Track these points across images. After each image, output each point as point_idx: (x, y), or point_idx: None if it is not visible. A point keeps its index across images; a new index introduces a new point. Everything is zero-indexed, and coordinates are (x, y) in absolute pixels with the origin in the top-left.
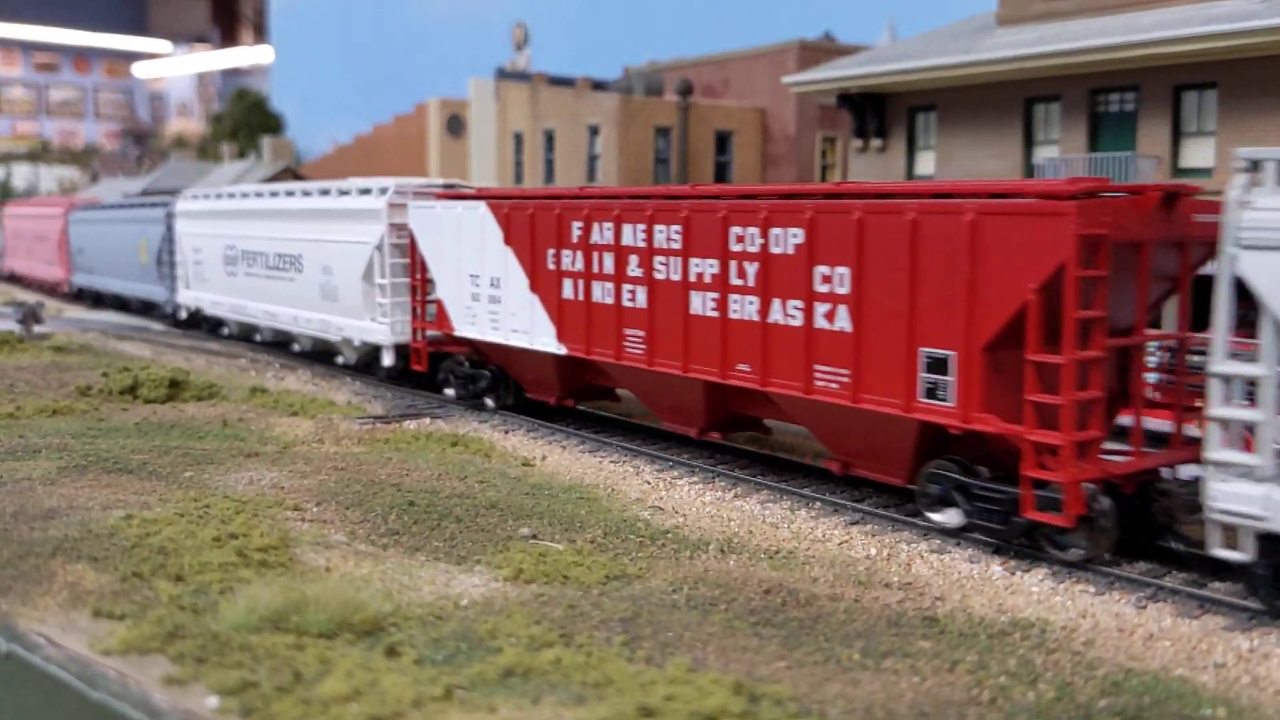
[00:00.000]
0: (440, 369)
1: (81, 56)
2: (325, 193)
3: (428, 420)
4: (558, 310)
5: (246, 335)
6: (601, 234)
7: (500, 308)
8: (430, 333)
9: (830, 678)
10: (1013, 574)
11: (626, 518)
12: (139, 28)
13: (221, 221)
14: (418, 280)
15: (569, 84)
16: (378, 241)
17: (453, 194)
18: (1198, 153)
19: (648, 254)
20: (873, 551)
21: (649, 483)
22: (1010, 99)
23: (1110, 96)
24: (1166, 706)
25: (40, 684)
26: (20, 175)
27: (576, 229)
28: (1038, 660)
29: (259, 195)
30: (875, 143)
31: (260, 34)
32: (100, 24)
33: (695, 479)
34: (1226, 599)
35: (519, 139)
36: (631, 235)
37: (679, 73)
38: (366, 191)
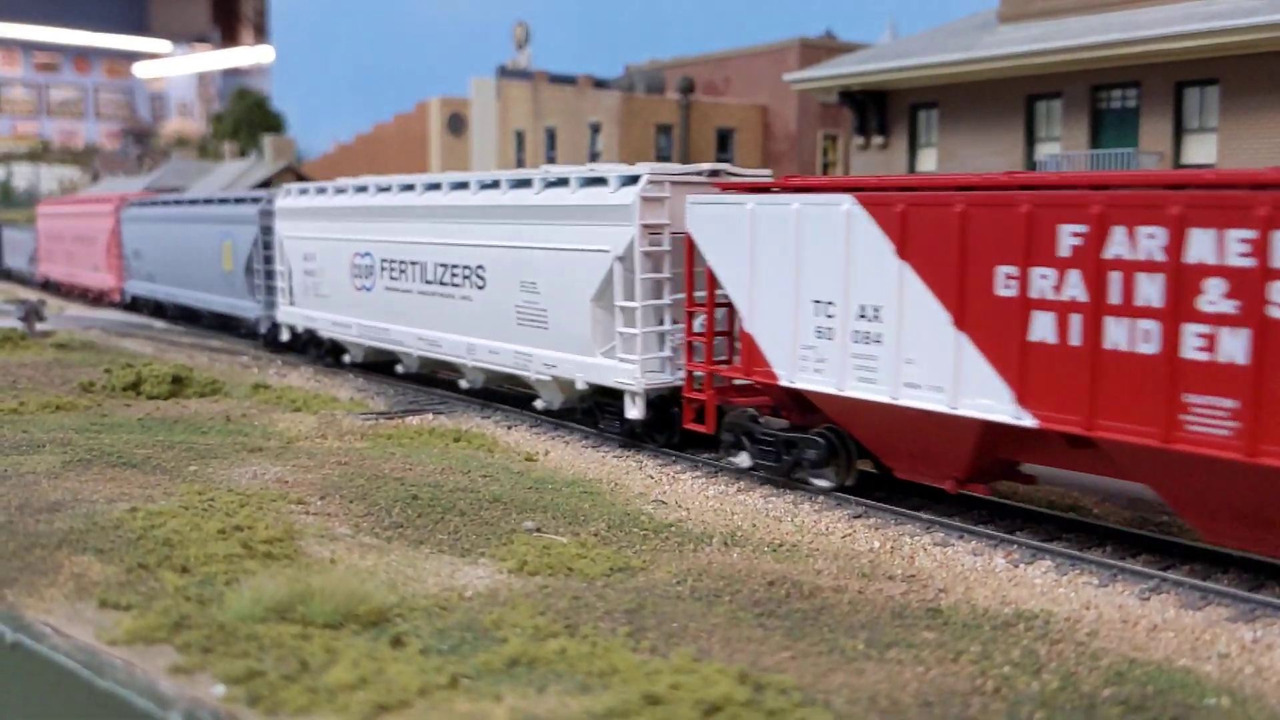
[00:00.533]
0: (724, 426)
1: (82, 56)
2: (524, 184)
3: (430, 416)
4: (1017, 359)
5: (382, 365)
6: (1133, 245)
7: (880, 350)
8: (685, 372)
9: (835, 668)
10: (1016, 566)
11: (630, 511)
12: (139, 28)
13: (350, 222)
14: (698, 304)
15: (570, 82)
16: (624, 250)
17: (751, 184)
18: (1200, 149)
19: (1255, 278)
20: (876, 545)
21: (652, 477)
22: (1012, 96)
23: (1112, 93)
24: (1170, 696)
25: (47, 673)
26: (20, 175)
27: (1070, 236)
28: (1041, 651)
29: (409, 189)
30: (877, 140)
31: (260, 34)
32: (100, 24)
33: (698, 473)
34: (1230, 590)
35: (520, 137)
36: (1212, 248)
37: (680, 70)
38: (599, 181)
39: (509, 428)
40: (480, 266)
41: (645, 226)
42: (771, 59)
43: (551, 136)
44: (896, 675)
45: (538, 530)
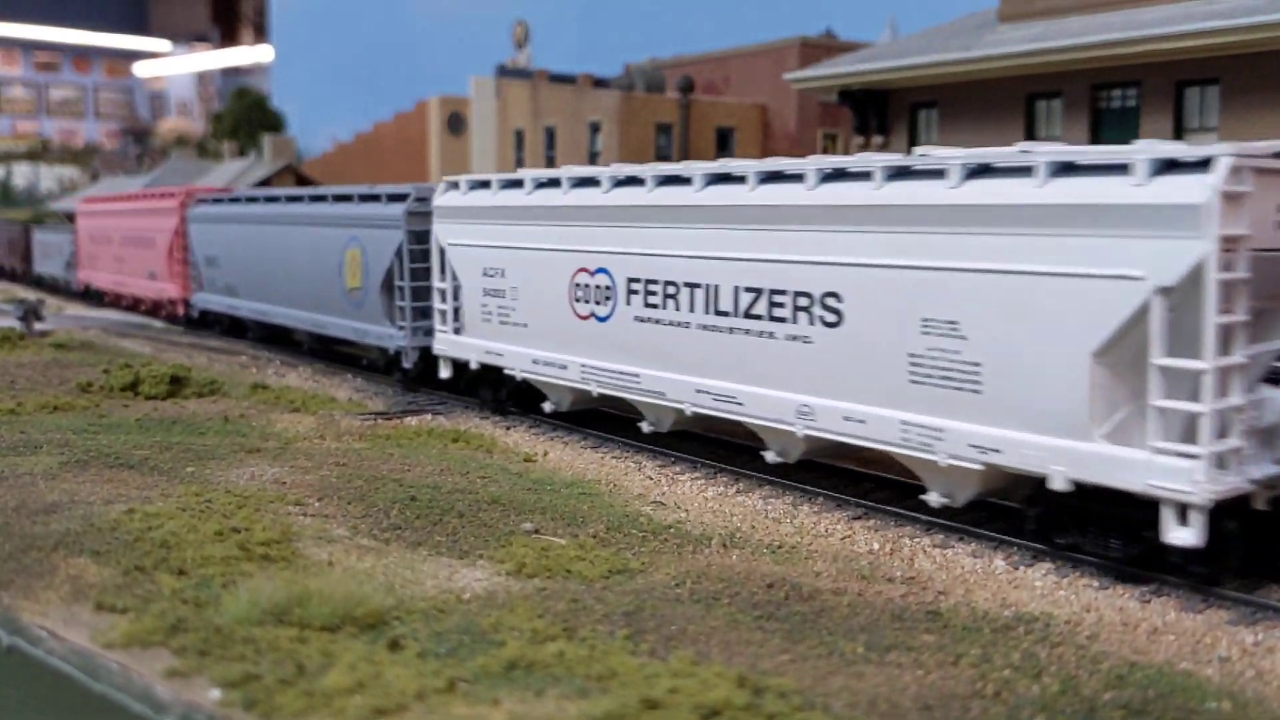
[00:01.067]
0: None
1: (81, 56)
2: (920, 175)
3: (429, 416)
4: None
5: (603, 416)
6: None
7: None
8: None
9: (834, 671)
10: (1016, 569)
11: (629, 513)
12: (139, 27)
13: (570, 226)
14: None
15: (570, 81)
16: (1178, 276)
17: None
18: None
19: None
20: (875, 546)
21: (651, 478)
22: (1012, 95)
23: (1112, 92)
24: (1171, 700)
25: (43, 677)
26: (20, 174)
27: None
28: (1042, 654)
29: (678, 182)
30: (877, 139)
31: (260, 33)
32: (100, 23)
33: (697, 474)
34: (1231, 594)
35: (520, 136)
36: None
37: (680, 69)
38: (1110, 168)
39: (507, 428)
40: (832, 294)
41: (1226, 239)
42: (771, 58)
43: (551, 135)
44: (896, 678)
45: (536, 532)
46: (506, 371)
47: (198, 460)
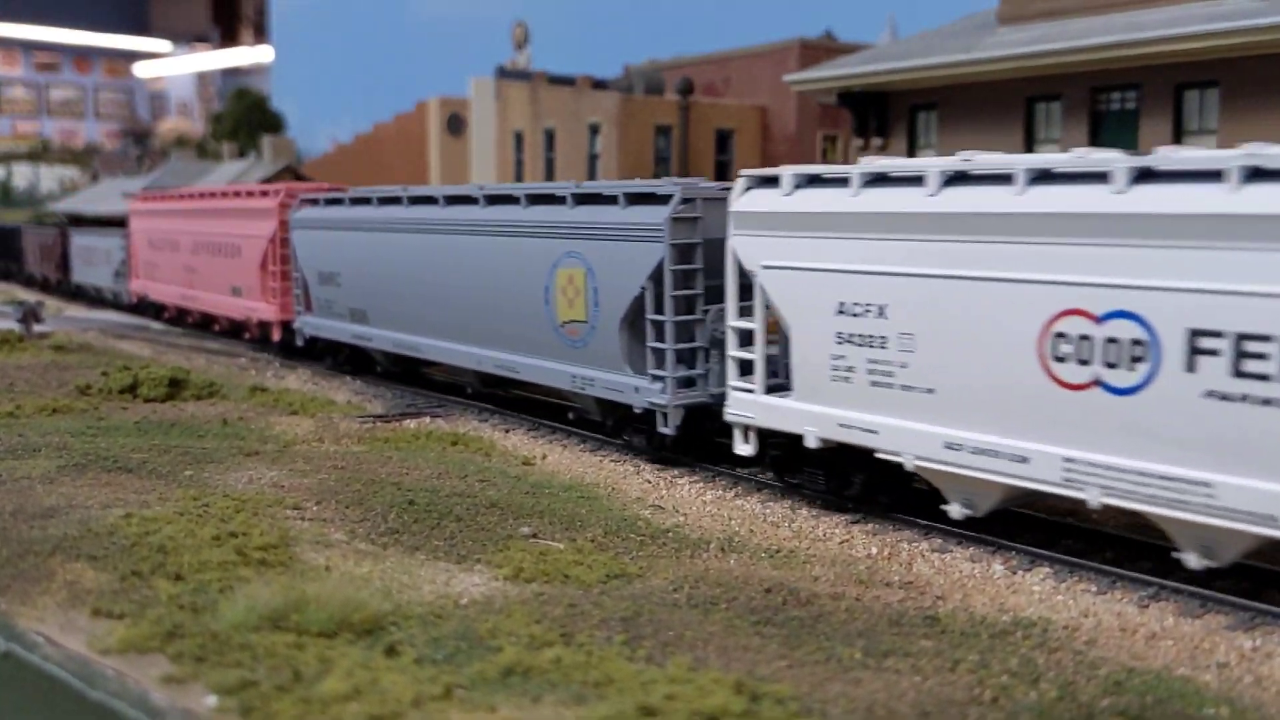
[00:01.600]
0: None
1: (82, 56)
2: None
3: (427, 419)
4: None
5: (1069, 529)
6: None
7: None
8: None
9: (832, 677)
10: (1014, 573)
11: (627, 516)
12: (139, 27)
13: (1034, 245)
14: None
15: (569, 83)
16: None
17: None
18: None
19: None
20: (874, 550)
21: (649, 481)
22: (1011, 97)
23: (1112, 95)
24: (1169, 706)
25: (38, 683)
26: (20, 175)
27: None
28: (1040, 659)
29: None
30: (876, 141)
31: (260, 33)
32: (101, 24)
33: (696, 478)
34: (1229, 598)
35: (519, 138)
36: None
37: (679, 71)
38: None
39: (506, 431)
40: None
41: None
42: (771, 60)
43: (550, 137)
44: (894, 684)
45: (534, 536)
46: (880, 455)
47: (196, 463)
